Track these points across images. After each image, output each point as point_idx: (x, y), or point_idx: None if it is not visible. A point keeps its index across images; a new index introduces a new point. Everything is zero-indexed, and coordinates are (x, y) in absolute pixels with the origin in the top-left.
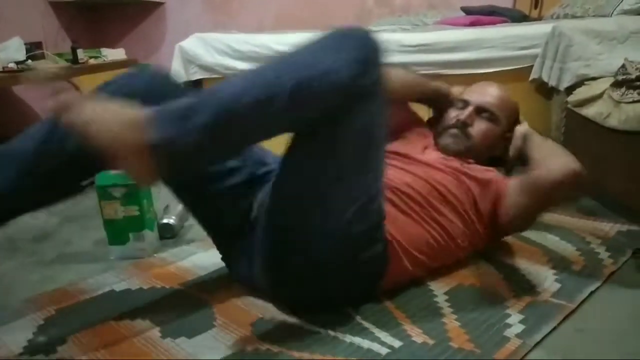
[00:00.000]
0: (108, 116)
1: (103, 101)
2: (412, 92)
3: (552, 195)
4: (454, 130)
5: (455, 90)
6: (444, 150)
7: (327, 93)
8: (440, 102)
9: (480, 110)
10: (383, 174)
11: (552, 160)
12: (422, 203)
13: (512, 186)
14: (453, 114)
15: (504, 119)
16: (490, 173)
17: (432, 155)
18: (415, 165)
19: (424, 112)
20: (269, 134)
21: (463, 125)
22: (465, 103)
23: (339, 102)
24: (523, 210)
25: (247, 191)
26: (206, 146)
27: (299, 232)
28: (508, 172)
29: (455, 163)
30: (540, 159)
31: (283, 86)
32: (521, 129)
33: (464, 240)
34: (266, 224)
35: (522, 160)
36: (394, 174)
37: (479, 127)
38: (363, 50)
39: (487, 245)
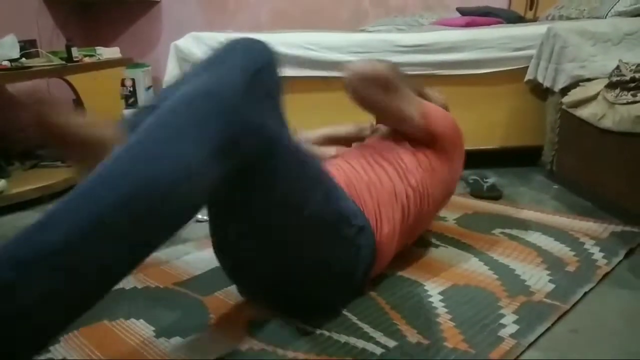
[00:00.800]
0: None
1: None
2: (332, 142)
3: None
4: None
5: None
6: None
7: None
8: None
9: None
10: (328, 183)
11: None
12: (361, 171)
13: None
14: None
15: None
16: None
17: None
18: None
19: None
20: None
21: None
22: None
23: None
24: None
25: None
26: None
27: (282, 264)
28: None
29: None
30: None
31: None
32: None
33: (411, 173)
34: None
35: None
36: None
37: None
38: (223, 130)
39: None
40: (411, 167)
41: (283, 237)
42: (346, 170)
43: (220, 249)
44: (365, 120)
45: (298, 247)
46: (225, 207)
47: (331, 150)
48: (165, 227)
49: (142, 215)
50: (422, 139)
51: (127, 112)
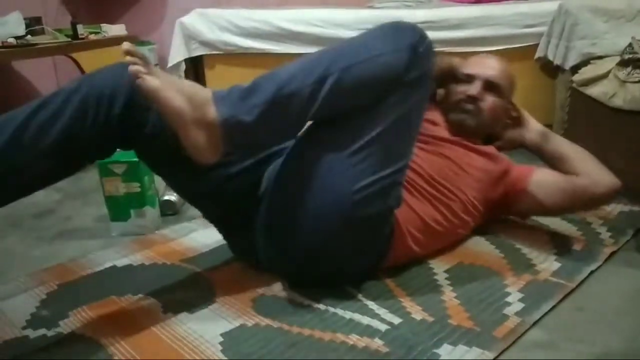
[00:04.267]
0: (179, 87)
1: (175, 76)
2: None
3: (591, 206)
4: (467, 106)
5: (455, 62)
6: (457, 125)
7: (378, 78)
8: (444, 78)
9: (488, 84)
10: (408, 163)
11: (598, 172)
12: (429, 181)
13: (536, 182)
14: (461, 89)
15: (508, 92)
16: (504, 162)
17: (443, 132)
18: (429, 143)
19: None
20: (320, 114)
21: (474, 100)
22: (471, 77)
23: (387, 88)
24: (550, 208)
25: (257, 167)
26: (265, 123)
27: (307, 201)
28: (500, 150)
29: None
30: (580, 166)
31: (335, 69)
32: (537, 126)
33: (467, 217)
34: (275, 192)
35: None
36: None
37: (488, 101)
38: (415, 42)
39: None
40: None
41: (347, 169)
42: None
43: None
44: None
45: (322, 210)
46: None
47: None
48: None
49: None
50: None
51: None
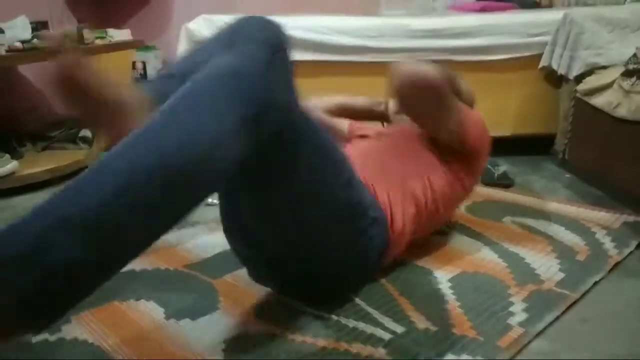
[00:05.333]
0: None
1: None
2: (345, 113)
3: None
4: None
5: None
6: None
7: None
8: (380, 117)
9: None
10: (349, 171)
11: None
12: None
13: None
14: None
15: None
16: None
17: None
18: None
19: None
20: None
21: None
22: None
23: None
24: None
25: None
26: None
27: (294, 244)
28: None
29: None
30: None
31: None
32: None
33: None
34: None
35: None
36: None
37: None
38: (249, 100)
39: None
40: (433, 167)
41: (299, 221)
42: (363, 159)
43: (231, 232)
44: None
45: (312, 233)
46: (242, 188)
47: (344, 123)
48: (194, 193)
49: (174, 179)
50: (452, 146)
51: (150, 77)
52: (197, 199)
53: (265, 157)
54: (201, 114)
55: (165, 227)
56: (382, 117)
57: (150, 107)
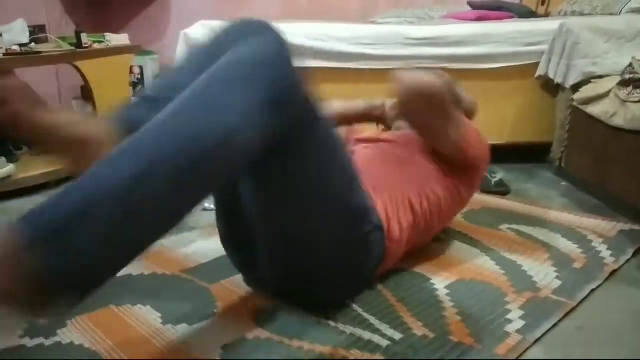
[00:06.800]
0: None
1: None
2: (343, 119)
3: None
4: None
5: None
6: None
7: (234, 159)
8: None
9: None
10: (354, 177)
11: None
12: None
13: None
14: None
15: None
16: None
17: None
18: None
19: None
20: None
21: None
22: None
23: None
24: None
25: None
26: (108, 258)
27: (297, 246)
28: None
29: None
30: None
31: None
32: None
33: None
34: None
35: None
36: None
37: None
38: (274, 85)
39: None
40: (432, 178)
41: (302, 218)
42: (363, 167)
43: (230, 237)
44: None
45: (314, 234)
46: (250, 178)
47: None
48: (218, 173)
49: (198, 160)
50: (452, 157)
51: (119, 107)
52: (220, 179)
53: (280, 146)
54: (231, 95)
55: (191, 205)
56: (379, 119)
57: (117, 139)
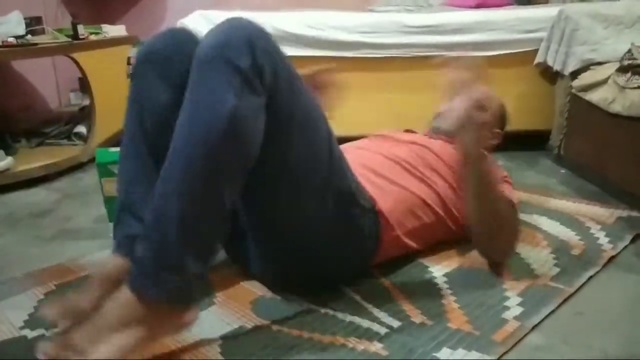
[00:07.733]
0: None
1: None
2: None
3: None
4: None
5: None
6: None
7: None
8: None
9: None
10: (338, 154)
11: (495, 240)
12: (408, 168)
13: None
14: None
15: None
16: None
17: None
18: (400, 143)
19: None
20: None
21: None
22: None
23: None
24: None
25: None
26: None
27: (286, 227)
28: None
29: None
30: (478, 220)
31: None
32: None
33: (451, 205)
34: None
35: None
36: (380, 148)
37: None
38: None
39: None
40: (441, 194)
41: (288, 209)
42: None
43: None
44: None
45: (298, 222)
46: None
47: None
48: (240, 157)
49: (219, 152)
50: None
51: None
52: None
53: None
54: (210, 93)
55: (233, 191)
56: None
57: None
